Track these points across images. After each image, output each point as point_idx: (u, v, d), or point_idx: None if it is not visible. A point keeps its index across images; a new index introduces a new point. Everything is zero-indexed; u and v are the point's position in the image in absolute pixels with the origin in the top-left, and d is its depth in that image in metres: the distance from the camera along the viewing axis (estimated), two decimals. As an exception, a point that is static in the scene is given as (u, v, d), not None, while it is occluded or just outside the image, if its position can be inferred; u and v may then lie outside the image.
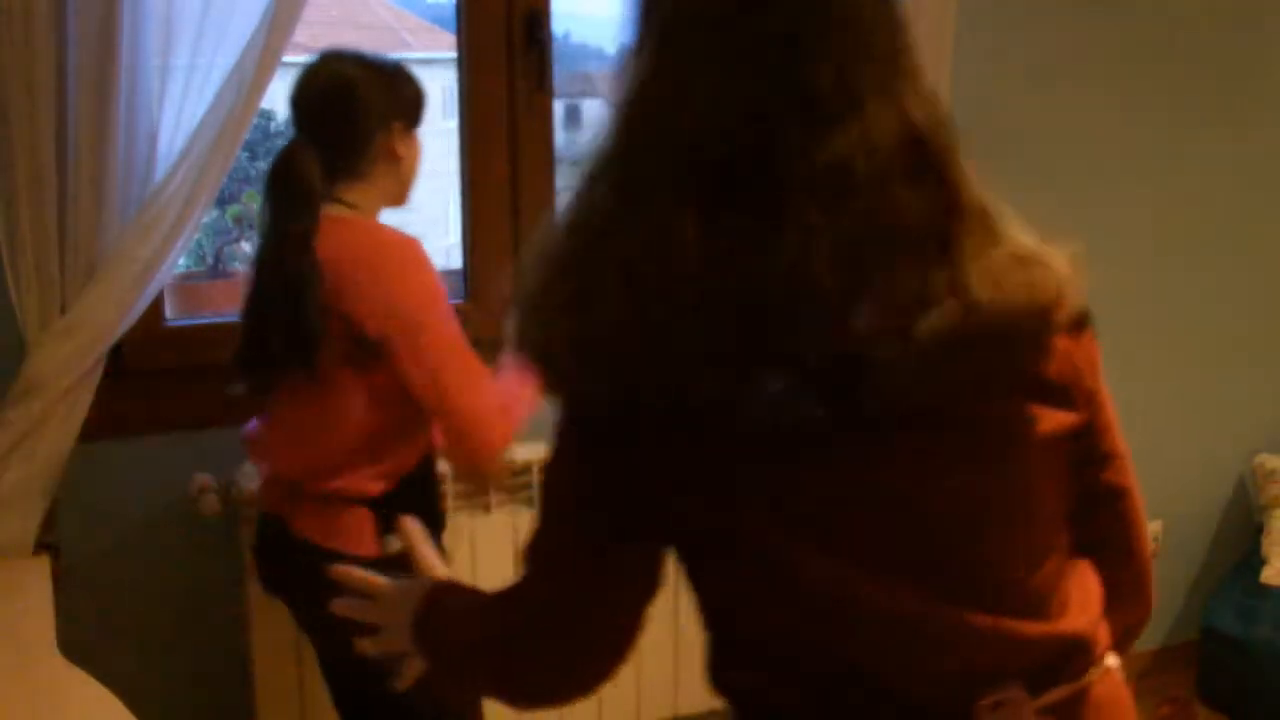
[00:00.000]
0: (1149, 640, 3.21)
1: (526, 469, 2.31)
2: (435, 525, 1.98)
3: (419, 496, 1.93)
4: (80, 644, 1.77)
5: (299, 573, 1.89)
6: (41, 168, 1.90)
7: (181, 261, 2.14)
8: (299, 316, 1.79)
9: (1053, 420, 1.02)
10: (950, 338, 0.90)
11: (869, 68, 0.94)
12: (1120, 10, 2.83)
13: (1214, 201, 3.04)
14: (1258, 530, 3.09)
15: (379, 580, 1.26)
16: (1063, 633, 1.04)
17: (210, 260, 3.91)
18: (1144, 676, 3.18)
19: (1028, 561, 1.02)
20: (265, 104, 2.05)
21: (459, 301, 2.43)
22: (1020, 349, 0.97)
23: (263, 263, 1.84)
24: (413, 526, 1.33)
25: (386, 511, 1.83)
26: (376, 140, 1.87)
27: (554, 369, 0.99)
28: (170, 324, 2.24)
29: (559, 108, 2.53)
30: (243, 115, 1.98)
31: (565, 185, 2.43)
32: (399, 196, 1.95)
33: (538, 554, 1.07)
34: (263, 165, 2.24)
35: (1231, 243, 3.08)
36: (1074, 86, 2.82)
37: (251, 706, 2.24)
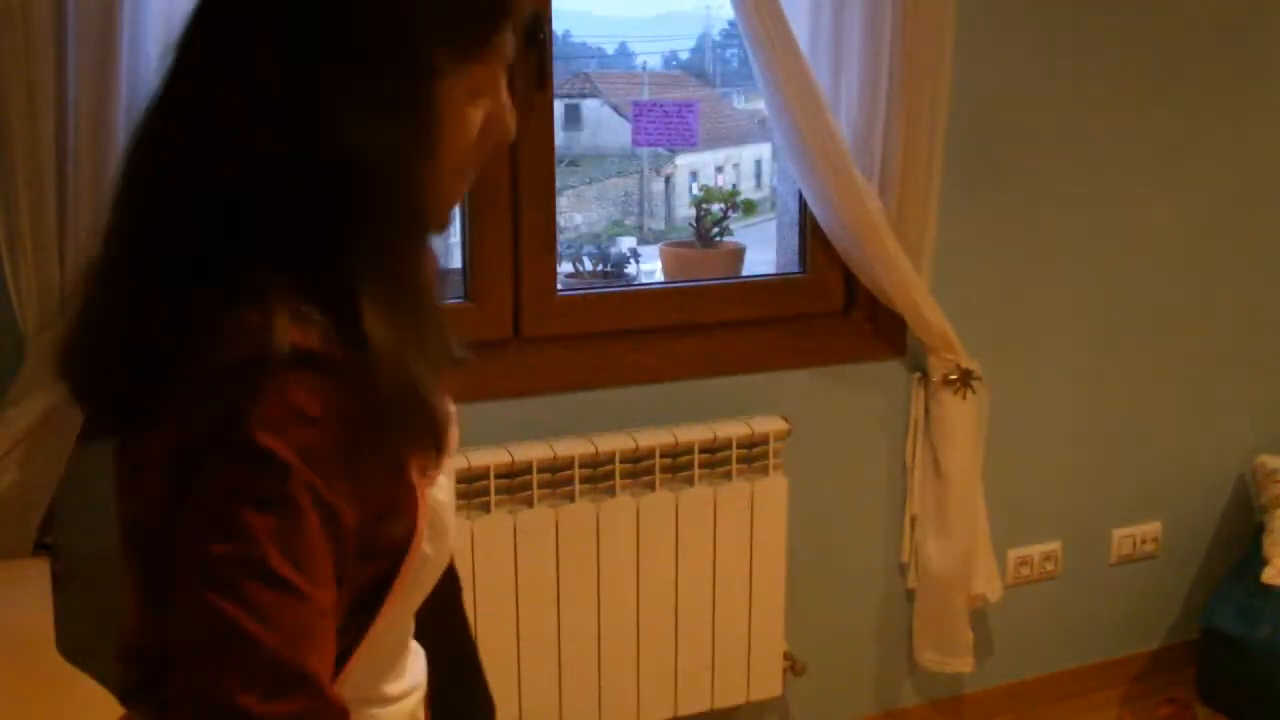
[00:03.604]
0: (1149, 640, 3.21)
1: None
2: None
3: None
4: (80, 644, 1.77)
5: None
6: (41, 168, 1.90)
7: (181, 261, 2.13)
8: None
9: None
10: None
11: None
12: (1120, 10, 2.83)
13: (1214, 202, 3.04)
14: (1258, 530, 3.09)
15: None
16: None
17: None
18: (1144, 677, 3.18)
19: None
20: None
21: (459, 301, 2.43)
22: None
23: None
24: None
25: None
26: None
27: None
28: (170, 324, 2.23)
29: (559, 108, 2.53)
30: (243, 115, 1.98)
31: (565, 185, 2.43)
32: None
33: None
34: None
35: (1231, 243, 3.08)
36: (1073, 89, 2.82)
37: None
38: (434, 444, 0.99)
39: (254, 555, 0.87)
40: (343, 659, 1.00)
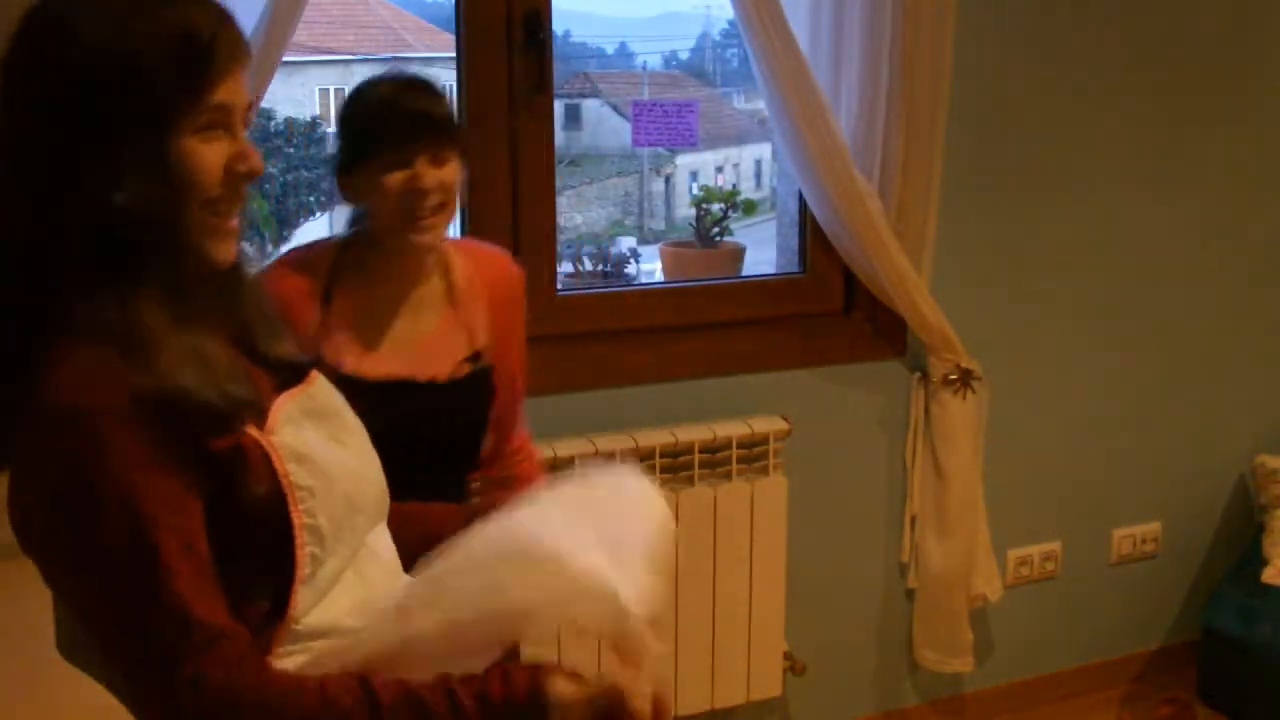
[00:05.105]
0: (1149, 640, 3.21)
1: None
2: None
3: None
4: (80, 644, 1.76)
5: None
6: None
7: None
8: None
9: None
10: None
11: None
12: (1121, 11, 2.83)
13: (1214, 202, 3.04)
14: (1258, 530, 3.09)
15: None
16: None
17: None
18: (1144, 677, 3.18)
19: None
20: (265, 103, 2.05)
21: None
22: None
23: None
24: None
25: None
26: None
27: None
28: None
29: (559, 108, 2.53)
30: (243, 115, 1.98)
31: (565, 185, 2.43)
32: None
33: None
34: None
35: (1232, 243, 3.08)
36: (1073, 89, 2.82)
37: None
38: (231, 418, 1.13)
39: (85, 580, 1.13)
40: (285, 597, 1.16)
